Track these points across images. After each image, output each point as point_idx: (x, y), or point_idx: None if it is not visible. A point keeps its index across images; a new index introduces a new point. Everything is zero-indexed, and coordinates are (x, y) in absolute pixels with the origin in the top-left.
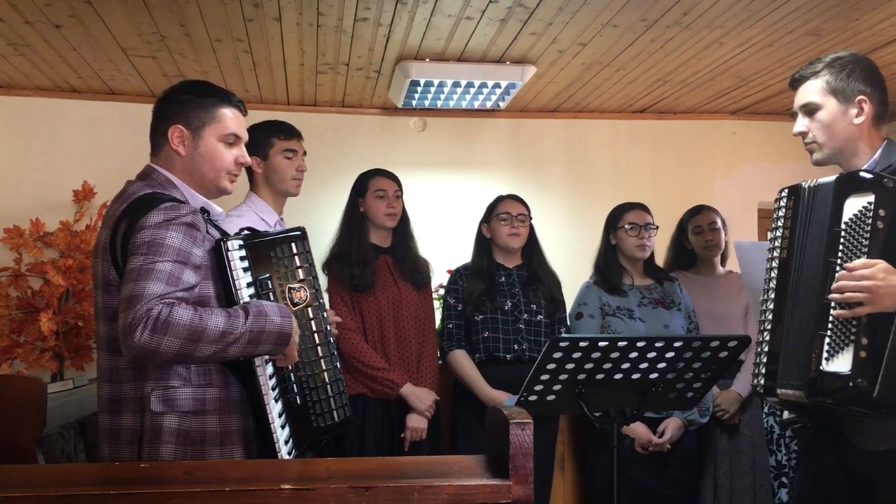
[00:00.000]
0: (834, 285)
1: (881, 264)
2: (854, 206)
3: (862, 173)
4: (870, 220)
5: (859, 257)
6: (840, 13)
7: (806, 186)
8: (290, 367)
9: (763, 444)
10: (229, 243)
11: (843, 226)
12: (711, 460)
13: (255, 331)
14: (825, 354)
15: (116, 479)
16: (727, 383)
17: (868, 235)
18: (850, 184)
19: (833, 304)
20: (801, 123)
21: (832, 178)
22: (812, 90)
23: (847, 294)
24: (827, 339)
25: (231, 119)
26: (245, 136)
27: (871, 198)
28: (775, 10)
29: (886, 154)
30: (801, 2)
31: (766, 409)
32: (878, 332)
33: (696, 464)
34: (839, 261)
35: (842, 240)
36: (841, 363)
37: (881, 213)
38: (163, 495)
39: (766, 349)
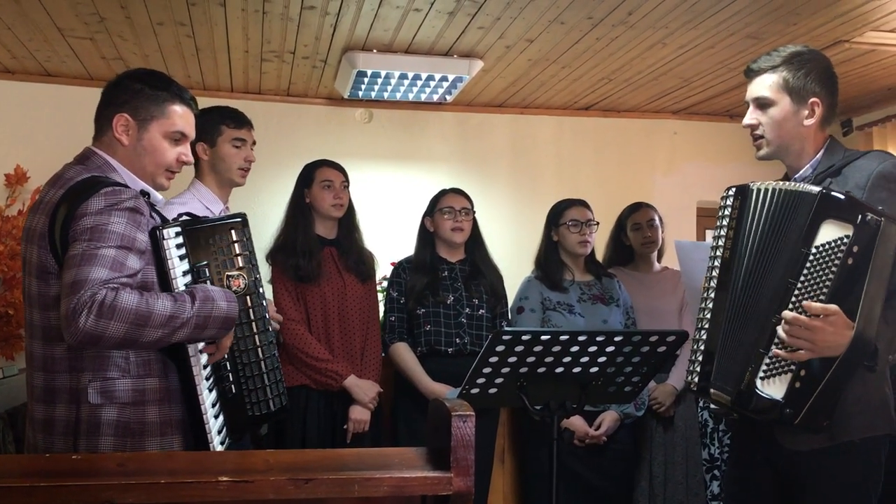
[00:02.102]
0: (784, 327)
1: (835, 317)
2: (830, 233)
3: (842, 196)
4: (841, 255)
5: (821, 289)
6: (779, 17)
7: (755, 188)
8: (226, 356)
9: (696, 436)
10: (165, 231)
11: (812, 249)
12: (647, 452)
13: (203, 315)
14: (761, 373)
15: (47, 470)
16: (663, 377)
17: (836, 270)
18: (831, 207)
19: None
20: (752, 116)
21: (814, 189)
22: (768, 84)
23: (793, 340)
24: (766, 360)
25: (180, 116)
26: (192, 136)
27: (850, 231)
28: (717, 13)
29: (828, 155)
30: (742, 5)
31: (700, 404)
32: (816, 367)
33: (632, 456)
34: (799, 284)
35: (808, 264)
36: (775, 388)
37: (855, 249)
38: (96, 488)
39: (702, 347)
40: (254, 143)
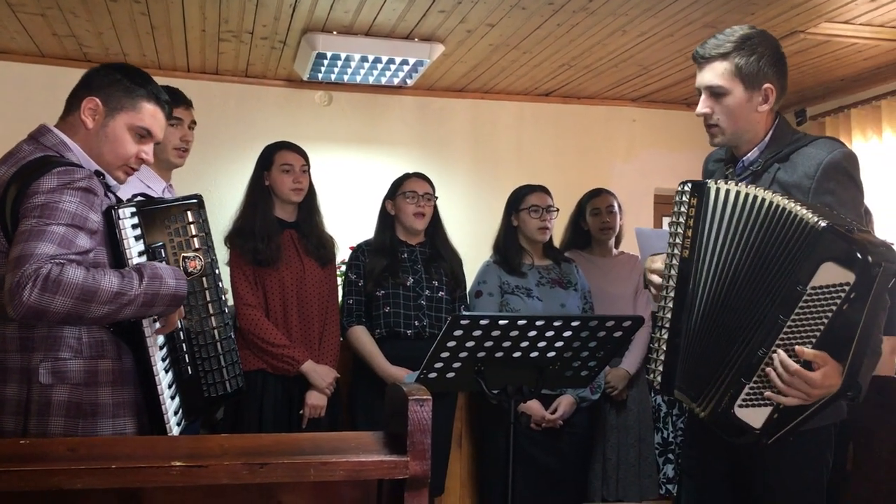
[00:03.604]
0: (783, 376)
1: (827, 367)
2: (830, 275)
3: (847, 239)
4: (839, 300)
5: (812, 331)
6: (737, 7)
7: (713, 188)
8: (181, 337)
9: (648, 419)
10: (121, 211)
11: (808, 289)
12: (601, 435)
13: (150, 293)
14: (740, 401)
15: None
16: (617, 361)
17: (830, 315)
18: (836, 249)
19: (764, 365)
20: (705, 105)
21: (819, 223)
22: (720, 72)
23: (789, 390)
24: (747, 389)
25: (150, 114)
26: (159, 137)
27: (852, 278)
28: (676, 2)
29: (776, 138)
30: None
31: (654, 387)
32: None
33: (587, 439)
34: (790, 322)
35: (802, 303)
36: (753, 416)
37: (853, 295)
38: (44, 473)
39: (664, 347)
40: (193, 122)
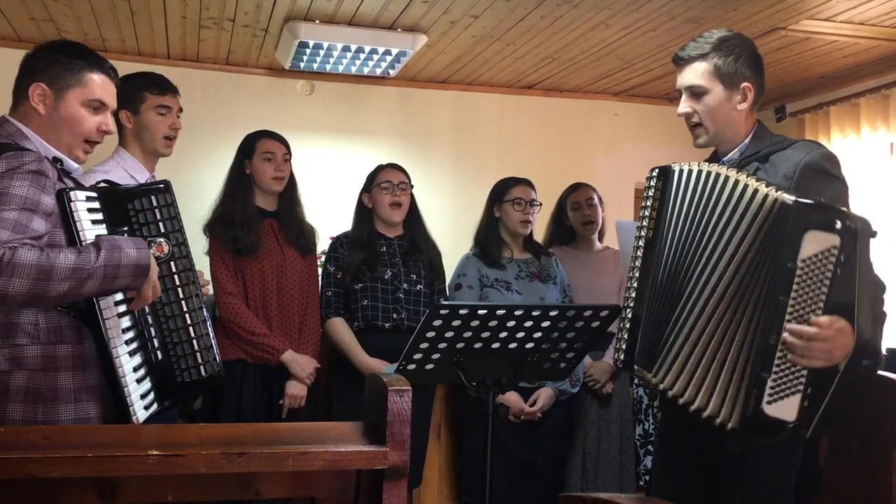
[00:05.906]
0: (799, 343)
1: (840, 323)
2: (815, 244)
3: (815, 203)
4: (832, 266)
5: (816, 304)
6: (719, 3)
7: (677, 169)
8: (150, 321)
9: (629, 413)
10: (72, 193)
11: (799, 264)
12: (582, 429)
13: (111, 265)
14: (766, 398)
15: None
16: (599, 355)
17: (828, 283)
18: (813, 217)
19: (779, 351)
20: (686, 104)
21: (785, 196)
22: (699, 72)
23: (812, 356)
24: (770, 383)
25: (98, 85)
26: (112, 105)
27: (837, 241)
28: None
29: (756, 140)
30: None
31: (635, 381)
32: (820, 381)
33: (566, 433)
34: (791, 300)
35: (797, 278)
36: (785, 409)
37: (842, 258)
38: (18, 461)
39: (627, 326)
40: (180, 110)
